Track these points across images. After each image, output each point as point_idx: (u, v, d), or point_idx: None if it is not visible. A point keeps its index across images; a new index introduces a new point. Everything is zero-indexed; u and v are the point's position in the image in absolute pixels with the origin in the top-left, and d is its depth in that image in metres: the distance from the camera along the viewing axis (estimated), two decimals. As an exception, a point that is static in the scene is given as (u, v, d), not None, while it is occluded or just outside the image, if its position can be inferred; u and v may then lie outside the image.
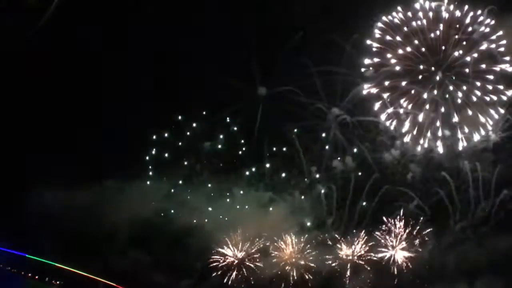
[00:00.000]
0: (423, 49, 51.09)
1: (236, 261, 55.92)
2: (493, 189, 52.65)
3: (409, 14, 51.64)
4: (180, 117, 58.40)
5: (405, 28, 51.21)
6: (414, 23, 51.29)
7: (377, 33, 51.84)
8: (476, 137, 51.74)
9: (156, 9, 54.68)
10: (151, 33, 54.34)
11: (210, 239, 56.51)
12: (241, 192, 58.16)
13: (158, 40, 54.82)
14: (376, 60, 52.40)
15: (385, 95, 52.29)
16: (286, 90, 54.95)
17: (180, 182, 58.20)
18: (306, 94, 55.02)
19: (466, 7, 50.43)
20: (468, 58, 50.34)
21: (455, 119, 51.51)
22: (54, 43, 53.59)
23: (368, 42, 51.99)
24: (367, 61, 52.57)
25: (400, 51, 51.64)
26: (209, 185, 58.30)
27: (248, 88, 55.34)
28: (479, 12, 50.42)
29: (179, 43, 54.78)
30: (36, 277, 53.04)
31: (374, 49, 51.70)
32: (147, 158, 58.28)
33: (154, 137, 58.25)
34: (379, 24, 51.69)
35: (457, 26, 50.27)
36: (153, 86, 56.05)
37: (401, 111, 52.29)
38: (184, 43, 54.89)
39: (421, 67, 51.48)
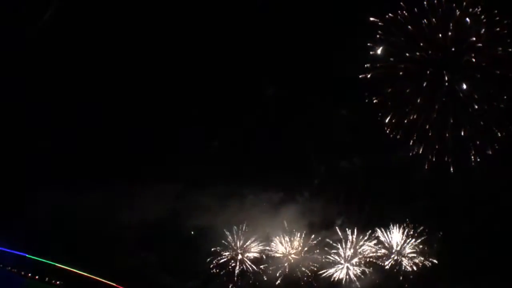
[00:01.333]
0: (430, 52, 45.47)
1: (242, 263, 56.92)
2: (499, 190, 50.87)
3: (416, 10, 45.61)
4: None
5: (410, 27, 45.25)
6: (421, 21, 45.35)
7: (379, 33, 46.39)
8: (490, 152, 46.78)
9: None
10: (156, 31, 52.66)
11: (217, 240, 57.45)
12: (251, 193, 58.36)
13: (164, 43, 53.25)
14: (378, 63, 47.67)
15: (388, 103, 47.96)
16: (293, 90, 54.16)
17: (190, 183, 57.80)
18: (313, 94, 54.09)
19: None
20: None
21: (467, 132, 46.47)
22: (55, 43, 53.04)
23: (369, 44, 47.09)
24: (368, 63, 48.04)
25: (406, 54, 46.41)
26: (219, 186, 57.77)
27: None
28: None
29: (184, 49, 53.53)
30: (36, 277, 54.28)
31: (373, 52, 46.59)
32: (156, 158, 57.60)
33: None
34: (380, 23, 46.18)
35: (470, 25, 43.59)
36: (157, 86, 55.14)
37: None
38: (187, 48, 53.55)
39: (428, 71, 46.07)
